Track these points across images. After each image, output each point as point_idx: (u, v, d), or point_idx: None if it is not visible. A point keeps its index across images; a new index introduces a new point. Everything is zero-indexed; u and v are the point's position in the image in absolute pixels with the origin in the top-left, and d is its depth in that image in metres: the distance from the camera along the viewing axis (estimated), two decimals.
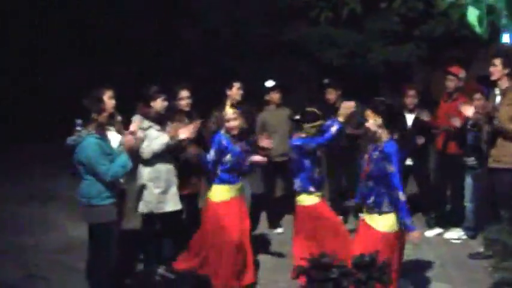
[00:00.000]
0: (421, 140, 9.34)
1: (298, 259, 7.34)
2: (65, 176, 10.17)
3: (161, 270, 6.10)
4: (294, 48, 14.89)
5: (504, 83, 8.23)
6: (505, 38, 18.40)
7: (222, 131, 7.64)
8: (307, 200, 7.65)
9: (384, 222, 6.41)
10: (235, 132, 7.54)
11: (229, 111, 7.61)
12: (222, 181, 7.61)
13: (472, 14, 3.83)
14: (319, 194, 7.72)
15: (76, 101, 6.81)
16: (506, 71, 8.14)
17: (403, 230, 6.47)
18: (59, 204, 10.43)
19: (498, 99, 8.36)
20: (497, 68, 8.19)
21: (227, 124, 7.56)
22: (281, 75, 10.25)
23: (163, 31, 14.61)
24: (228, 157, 7.52)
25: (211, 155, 7.53)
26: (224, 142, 7.52)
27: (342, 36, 14.54)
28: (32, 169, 11.80)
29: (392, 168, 6.27)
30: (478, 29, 3.88)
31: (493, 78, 8.30)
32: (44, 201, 10.48)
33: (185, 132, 7.82)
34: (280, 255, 8.79)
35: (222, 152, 7.52)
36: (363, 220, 6.68)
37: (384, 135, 6.44)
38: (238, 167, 7.63)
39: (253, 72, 13.06)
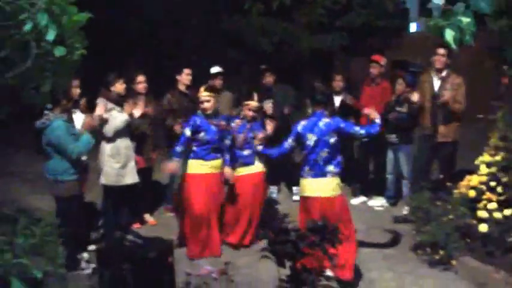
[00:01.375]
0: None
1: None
2: (22, 153, 10.06)
3: (130, 236, 6.13)
4: (229, 36, 14.93)
5: (443, 71, 8.54)
6: (413, 28, 18.87)
7: (198, 112, 7.65)
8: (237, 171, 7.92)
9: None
10: (209, 112, 7.54)
11: (203, 94, 7.57)
12: (196, 156, 7.61)
13: (449, 35, 4.31)
14: (242, 168, 7.99)
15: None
16: (449, 61, 8.45)
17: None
18: (21, 179, 10.25)
19: (437, 84, 8.62)
20: (442, 58, 8.43)
21: (201, 105, 7.57)
22: (217, 62, 10.24)
23: (109, 21, 14.38)
24: (202, 135, 7.51)
25: (186, 133, 7.54)
26: (198, 121, 7.53)
27: (272, 26, 14.64)
28: None
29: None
30: (453, 46, 4.36)
31: (438, 67, 8.54)
32: (6, 176, 10.24)
33: (139, 110, 8.09)
34: None
35: (196, 130, 7.52)
36: None
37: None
38: (214, 144, 7.59)
39: (193, 59, 13.04)
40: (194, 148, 7.60)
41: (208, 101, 7.52)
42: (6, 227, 4.20)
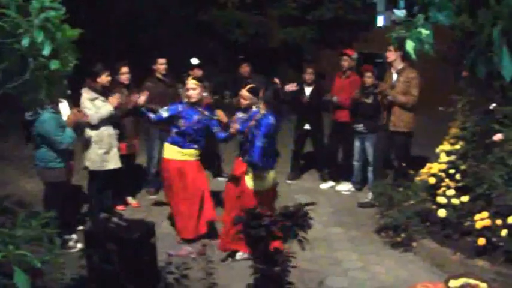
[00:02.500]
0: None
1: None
2: (13, 138, 10.04)
3: (115, 218, 6.19)
4: (206, 28, 14.93)
5: (399, 64, 8.58)
6: (380, 21, 18.97)
7: (184, 100, 7.54)
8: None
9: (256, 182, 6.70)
10: (193, 100, 7.37)
11: (190, 82, 7.47)
12: (173, 142, 7.41)
13: (409, 45, 4.58)
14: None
15: None
16: (399, 53, 8.45)
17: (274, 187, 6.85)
18: (11, 163, 10.24)
19: (395, 77, 8.66)
20: (391, 52, 8.51)
21: (187, 93, 7.45)
22: (194, 52, 10.25)
23: (89, 12, 14.30)
24: (181, 122, 7.34)
25: (163, 113, 7.40)
26: (180, 108, 7.39)
27: (246, 19, 14.68)
28: None
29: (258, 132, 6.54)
30: (413, 56, 4.65)
31: (389, 60, 8.65)
32: None
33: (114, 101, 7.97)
34: None
35: (176, 115, 7.37)
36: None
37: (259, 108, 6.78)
38: (191, 136, 7.39)
39: (172, 48, 13.02)
40: (173, 134, 7.44)
41: (194, 89, 7.38)
42: (5, 219, 4.27)
